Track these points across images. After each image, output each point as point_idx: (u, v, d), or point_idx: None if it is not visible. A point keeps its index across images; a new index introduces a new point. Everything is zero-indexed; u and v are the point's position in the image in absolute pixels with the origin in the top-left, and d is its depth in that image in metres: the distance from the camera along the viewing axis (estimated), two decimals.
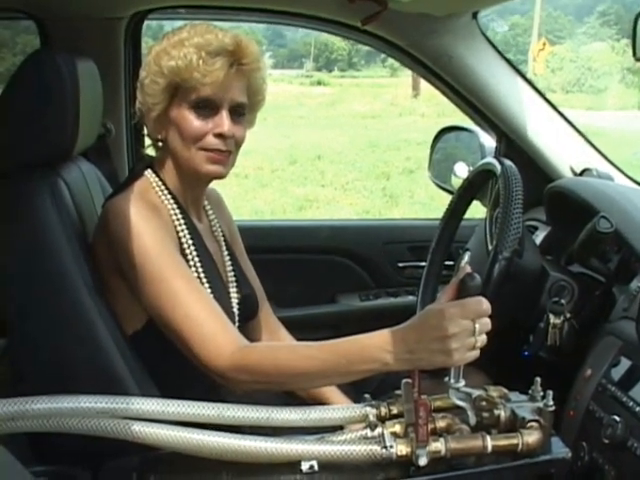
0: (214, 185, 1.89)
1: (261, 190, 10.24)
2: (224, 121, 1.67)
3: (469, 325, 1.34)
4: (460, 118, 2.94)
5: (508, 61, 2.52)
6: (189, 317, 1.56)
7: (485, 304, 1.36)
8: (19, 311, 1.64)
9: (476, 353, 1.35)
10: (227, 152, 1.70)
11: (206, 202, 1.90)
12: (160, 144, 1.76)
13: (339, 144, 13.42)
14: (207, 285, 1.71)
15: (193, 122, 1.67)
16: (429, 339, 1.34)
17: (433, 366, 1.35)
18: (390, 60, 24.42)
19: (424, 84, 16.40)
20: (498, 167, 1.86)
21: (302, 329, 2.17)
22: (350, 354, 1.43)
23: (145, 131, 1.80)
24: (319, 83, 25.46)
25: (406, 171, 11.38)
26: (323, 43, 31.73)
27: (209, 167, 1.69)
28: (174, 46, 1.66)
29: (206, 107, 1.67)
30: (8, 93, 1.66)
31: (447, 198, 2.24)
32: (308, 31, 28.84)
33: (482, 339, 1.35)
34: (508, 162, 1.87)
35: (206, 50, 1.64)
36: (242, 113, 1.73)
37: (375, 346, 1.39)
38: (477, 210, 2.56)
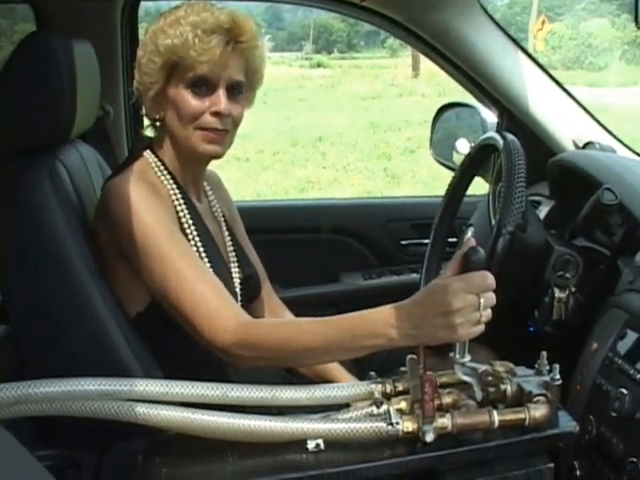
0: (215, 168, 1.89)
1: (262, 173, 10.23)
2: (221, 99, 1.66)
3: (474, 300, 1.31)
4: (461, 97, 2.92)
5: (509, 35, 2.49)
6: (193, 293, 1.55)
7: (490, 278, 1.33)
8: (20, 296, 1.64)
9: (481, 328, 1.33)
10: (224, 131, 1.69)
11: (205, 183, 1.89)
12: (158, 124, 1.75)
13: (340, 125, 13.38)
14: (209, 265, 1.70)
15: (190, 101, 1.66)
16: (433, 314, 1.32)
17: (437, 341, 1.34)
18: (390, 41, 24.38)
19: (424, 64, 16.39)
20: (500, 141, 1.85)
21: (305, 309, 2.15)
22: (354, 329, 1.41)
23: (143, 112, 1.79)
24: (319, 65, 25.32)
25: (407, 151, 11.35)
26: (322, 25, 31.56)
27: (206, 146, 1.69)
28: (170, 25, 1.65)
29: (203, 86, 1.66)
30: (3, 76, 1.65)
31: (449, 177, 2.23)
32: (307, 13, 28.77)
33: (487, 314, 1.33)
34: (510, 136, 1.85)
35: (202, 28, 1.63)
36: (239, 92, 1.72)
37: (380, 320, 1.38)
38: (479, 187, 2.54)
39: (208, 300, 1.54)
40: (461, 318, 1.31)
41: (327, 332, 1.44)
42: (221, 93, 1.67)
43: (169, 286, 1.57)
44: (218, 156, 1.72)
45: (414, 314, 1.35)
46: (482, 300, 1.32)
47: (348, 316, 1.43)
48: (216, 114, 1.66)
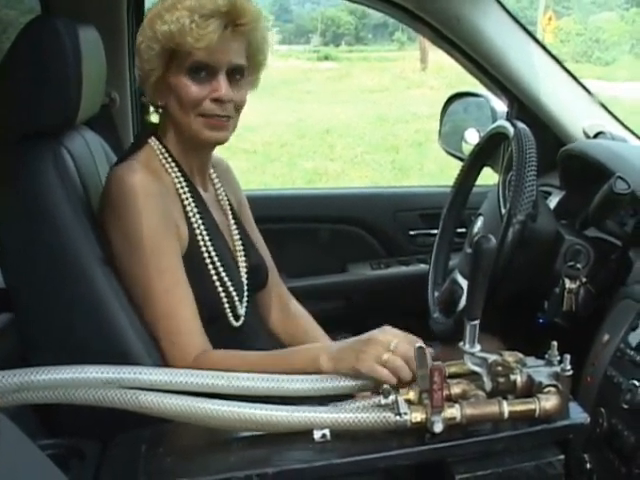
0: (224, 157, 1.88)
1: (270, 165, 10.20)
2: (221, 85, 1.64)
3: (390, 339, 1.39)
4: (469, 89, 2.90)
5: (520, 24, 2.47)
6: (162, 317, 1.60)
7: (416, 342, 1.38)
8: (25, 284, 1.63)
9: (381, 370, 1.37)
10: (226, 117, 1.67)
11: (212, 171, 1.86)
12: (160, 111, 1.73)
13: (348, 118, 13.35)
14: (214, 254, 1.70)
15: (190, 88, 1.64)
16: (356, 342, 1.43)
17: (351, 365, 1.40)
18: (398, 34, 24.32)
19: (432, 57, 16.31)
20: (511, 129, 1.83)
21: (313, 299, 2.15)
22: (293, 358, 1.54)
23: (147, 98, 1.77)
24: (326, 58, 25.24)
25: (415, 144, 11.31)
26: (330, 18, 31.50)
27: (208, 133, 1.67)
28: (167, 10, 1.62)
29: (202, 72, 1.64)
30: (8, 61, 1.64)
31: (457, 170, 2.21)
32: (315, 6, 28.70)
33: (393, 359, 1.37)
34: (521, 124, 1.83)
35: (199, 13, 1.59)
36: (241, 76, 1.70)
37: (315, 347, 1.56)
38: (488, 178, 2.52)
39: (172, 327, 1.60)
40: (370, 348, 1.38)
41: (268, 363, 1.54)
42: (221, 79, 1.65)
43: (140, 296, 1.61)
44: (222, 142, 1.71)
45: (342, 343, 1.47)
46: (395, 342, 1.39)
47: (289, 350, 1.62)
48: (217, 100, 1.65)
